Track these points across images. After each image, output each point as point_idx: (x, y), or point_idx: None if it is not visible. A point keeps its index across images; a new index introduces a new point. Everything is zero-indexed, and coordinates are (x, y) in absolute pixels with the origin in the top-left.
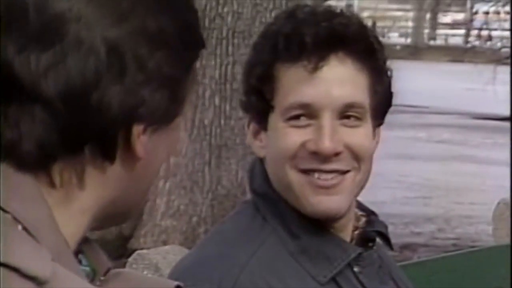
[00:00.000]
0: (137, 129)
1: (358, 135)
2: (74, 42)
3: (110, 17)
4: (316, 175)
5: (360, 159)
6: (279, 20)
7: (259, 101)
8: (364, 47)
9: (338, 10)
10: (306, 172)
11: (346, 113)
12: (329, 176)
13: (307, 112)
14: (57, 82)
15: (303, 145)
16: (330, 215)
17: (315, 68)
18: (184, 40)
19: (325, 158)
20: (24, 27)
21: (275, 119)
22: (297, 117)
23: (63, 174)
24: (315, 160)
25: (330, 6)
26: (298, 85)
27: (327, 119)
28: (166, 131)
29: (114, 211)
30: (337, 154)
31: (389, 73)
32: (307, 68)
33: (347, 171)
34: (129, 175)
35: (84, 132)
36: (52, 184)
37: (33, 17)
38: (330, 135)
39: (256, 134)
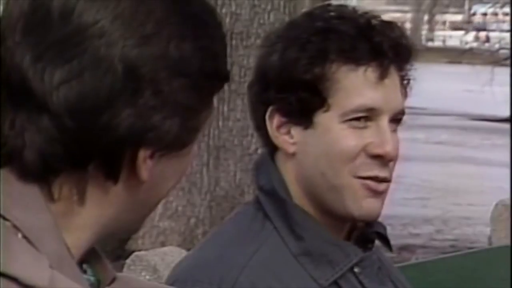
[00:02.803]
0: (144, 153)
1: (398, 139)
2: (93, 59)
3: (133, 38)
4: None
5: (394, 164)
6: (321, 18)
7: (313, 97)
8: (409, 60)
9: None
10: (361, 178)
11: (395, 118)
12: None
13: (368, 115)
14: (69, 97)
15: (363, 148)
16: (373, 218)
17: (384, 76)
18: (205, 71)
19: (387, 161)
20: (45, 34)
21: (329, 119)
22: (357, 119)
23: (64, 188)
24: (375, 165)
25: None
26: (364, 88)
27: (386, 123)
28: (177, 156)
29: (116, 228)
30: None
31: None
32: (376, 74)
33: (390, 181)
34: (132, 197)
35: (89, 150)
36: (51, 197)
37: (56, 25)
38: (391, 138)
39: (280, 127)
